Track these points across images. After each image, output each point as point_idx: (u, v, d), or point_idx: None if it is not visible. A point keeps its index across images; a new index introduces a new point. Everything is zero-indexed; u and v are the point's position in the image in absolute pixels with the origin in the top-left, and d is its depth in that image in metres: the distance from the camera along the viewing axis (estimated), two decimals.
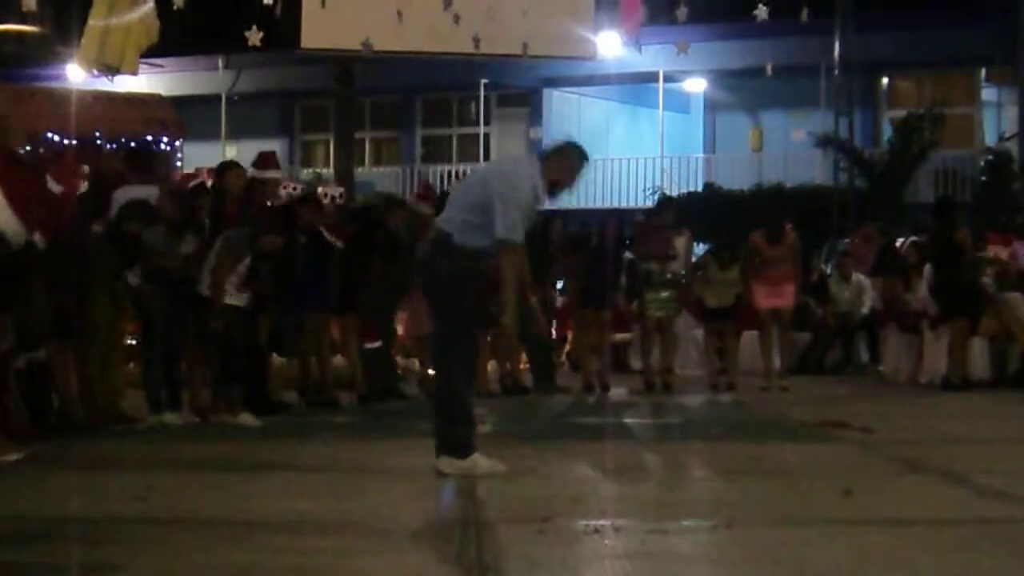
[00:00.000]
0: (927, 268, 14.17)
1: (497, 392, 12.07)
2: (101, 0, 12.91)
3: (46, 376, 8.34)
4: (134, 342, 10.28)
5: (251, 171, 10.40)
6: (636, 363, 15.18)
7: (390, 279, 11.30)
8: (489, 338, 11.80)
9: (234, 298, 9.40)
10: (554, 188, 7.15)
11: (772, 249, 12.91)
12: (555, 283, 13.27)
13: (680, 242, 13.01)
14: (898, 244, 16.62)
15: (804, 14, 16.47)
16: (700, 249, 17.71)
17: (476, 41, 14.44)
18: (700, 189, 26.56)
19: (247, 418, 9.34)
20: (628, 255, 13.32)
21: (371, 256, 11.21)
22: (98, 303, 8.85)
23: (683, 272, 13.22)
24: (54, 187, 8.38)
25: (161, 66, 25.02)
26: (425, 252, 7.13)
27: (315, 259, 10.68)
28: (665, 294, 12.83)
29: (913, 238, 16.00)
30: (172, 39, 14.22)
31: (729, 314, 13.11)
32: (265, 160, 10.62)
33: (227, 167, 10.18)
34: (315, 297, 10.72)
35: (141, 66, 13.75)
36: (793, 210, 14.25)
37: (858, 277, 16.14)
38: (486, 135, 30.60)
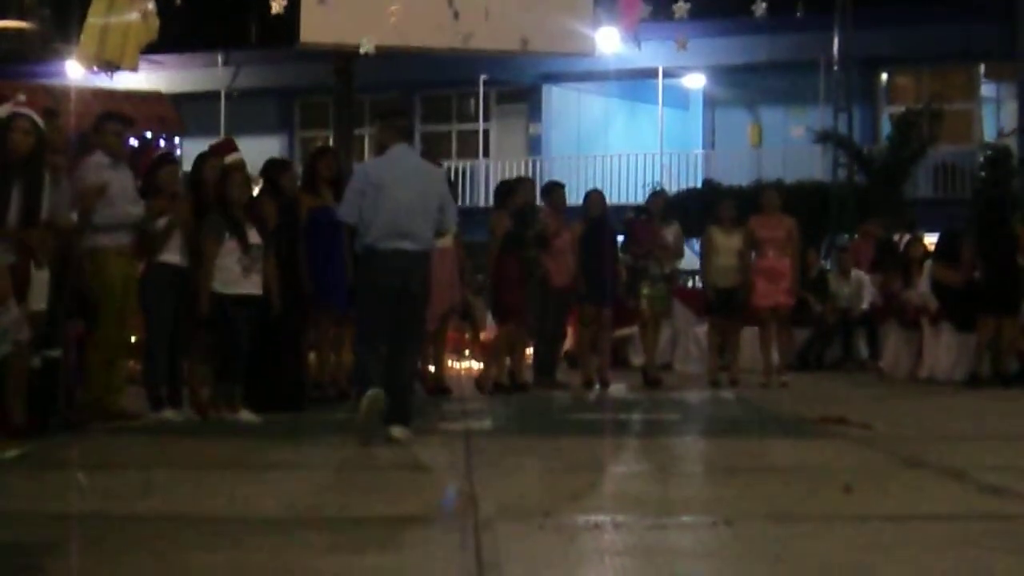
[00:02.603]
0: (927, 264, 14.18)
1: (506, 386, 12.03)
2: None
3: (55, 374, 8.34)
4: (134, 338, 10.26)
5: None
6: (636, 359, 15.19)
7: None
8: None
9: (237, 286, 9.36)
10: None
11: (767, 229, 12.91)
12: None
13: (670, 233, 13.04)
14: (896, 239, 16.66)
15: (801, 10, 16.45)
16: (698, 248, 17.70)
17: (475, 37, 14.42)
18: (699, 185, 26.56)
19: (246, 415, 9.34)
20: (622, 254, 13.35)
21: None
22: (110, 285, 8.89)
23: (678, 265, 13.24)
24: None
25: (161, 62, 25.02)
26: (411, 266, 8.15)
27: (324, 251, 10.57)
28: (656, 288, 12.85)
29: (910, 234, 16.04)
30: (172, 35, 14.20)
31: (734, 302, 13.06)
32: (222, 147, 10.52)
33: (205, 158, 10.15)
34: (327, 293, 10.61)
35: (141, 62, 13.72)
36: (792, 206, 14.23)
37: (857, 273, 16.15)
38: (485, 131, 30.62)
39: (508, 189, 12.67)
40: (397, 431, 7.99)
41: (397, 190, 8.10)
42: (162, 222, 9.22)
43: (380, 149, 8.53)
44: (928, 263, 14.17)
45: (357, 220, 8.18)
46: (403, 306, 8.11)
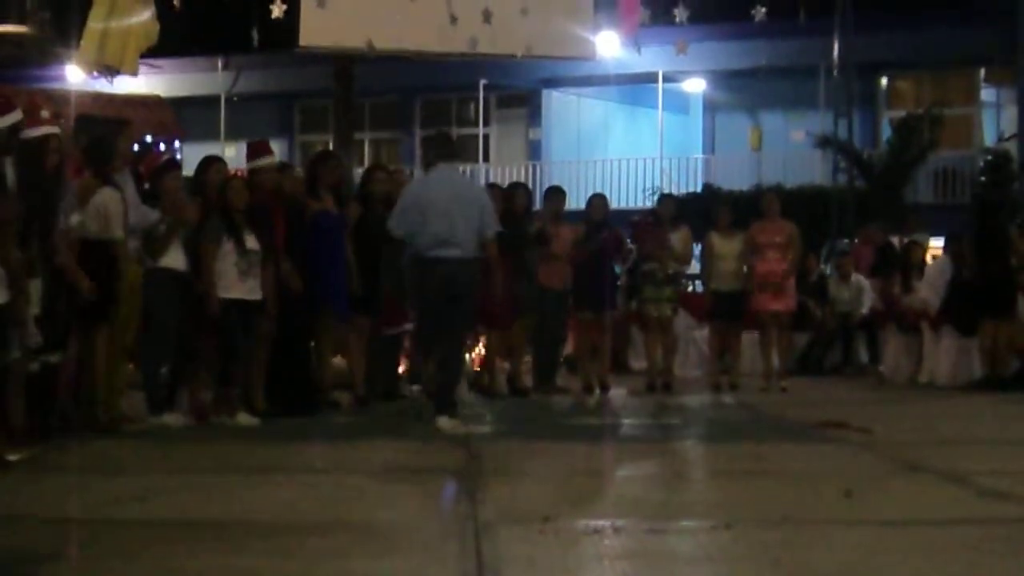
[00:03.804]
0: (929, 268, 14.19)
1: (502, 392, 12.04)
2: (101, 1, 12.90)
3: (54, 378, 8.34)
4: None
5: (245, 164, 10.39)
6: (635, 364, 15.18)
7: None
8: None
9: (235, 290, 9.35)
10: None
11: (767, 234, 12.91)
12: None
13: (679, 237, 13.01)
14: (895, 243, 16.67)
15: (802, 14, 16.46)
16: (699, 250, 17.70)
17: (474, 41, 14.42)
18: (699, 190, 26.54)
19: (245, 418, 9.33)
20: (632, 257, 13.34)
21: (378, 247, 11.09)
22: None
23: (684, 269, 13.20)
24: None
25: (160, 67, 25.02)
26: (455, 272, 9.07)
27: (329, 254, 10.55)
28: (663, 292, 12.84)
29: (909, 239, 16.06)
30: (171, 40, 14.21)
31: (737, 306, 13.05)
32: (257, 149, 10.48)
33: (209, 162, 10.14)
34: (331, 298, 10.58)
35: (140, 67, 13.73)
36: (793, 211, 14.22)
37: (857, 277, 16.14)
38: (485, 136, 30.61)
39: None
40: (443, 422, 8.92)
41: (439, 205, 9.13)
42: (163, 226, 9.22)
43: (427, 168, 9.76)
44: (931, 267, 14.18)
45: (405, 233, 9.26)
46: (449, 307, 9.09)
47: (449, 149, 9.86)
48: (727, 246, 13.04)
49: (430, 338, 9.47)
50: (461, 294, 9.09)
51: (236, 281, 9.37)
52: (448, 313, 9.11)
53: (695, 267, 14.74)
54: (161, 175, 9.61)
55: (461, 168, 29.25)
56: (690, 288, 16.17)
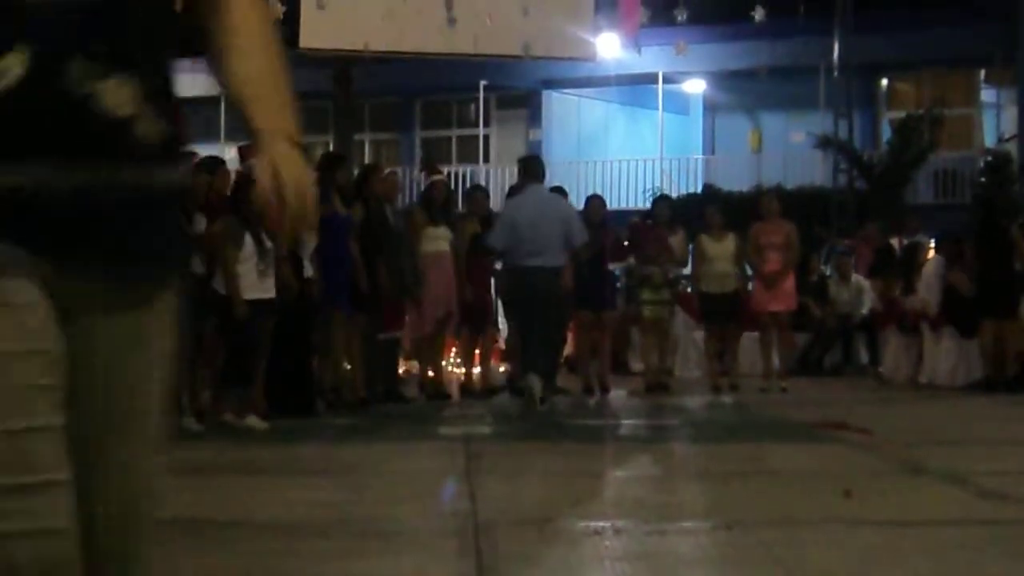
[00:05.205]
0: (927, 268, 14.19)
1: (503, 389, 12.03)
2: None
3: None
4: None
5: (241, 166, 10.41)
6: (636, 364, 15.18)
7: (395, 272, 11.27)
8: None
9: (255, 291, 9.32)
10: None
11: (768, 234, 12.91)
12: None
13: (675, 240, 13.03)
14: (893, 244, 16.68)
15: (801, 15, 16.46)
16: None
17: (475, 42, 14.45)
18: (699, 190, 26.54)
19: (254, 420, 9.24)
20: (632, 259, 13.35)
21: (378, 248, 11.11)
22: None
23: (682, 271, 13.20)
24: None
25: None
26: (544, 279, 10.37)
27: (335, 255, 10.55)
28: (659, 295, 12.84)
29: (911, 240, 16.07)
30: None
31: (730, 308, 13.05)
32: (251, 150, 10.43)
33: (213, 165, 10.13)
34: (336, 299, 10.58)
35: None
36: (793, 211, 14.22)
37: (857, 278, 16.15)
38: (485, 137, 30.60)
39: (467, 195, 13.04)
40: (533, 380, 10.23)
41: (528, 221, 10.42)
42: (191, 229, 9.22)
43: (520, 186, 11.25)
44: (926, 268, 14.19)
45: (504, 247, 10.65)
46: (544, 308, 10.43)
47: (537, 171, 11.18)
48: (718, 248, 13.03)
49: (521, 335, 10.98)
50: (550, 298, 10.40)
51: (256, 282, 9.32)
52: (541, 314, 10.45)
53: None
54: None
55: (470, 171, 29.70)
56: (689, 289, 16.20)
